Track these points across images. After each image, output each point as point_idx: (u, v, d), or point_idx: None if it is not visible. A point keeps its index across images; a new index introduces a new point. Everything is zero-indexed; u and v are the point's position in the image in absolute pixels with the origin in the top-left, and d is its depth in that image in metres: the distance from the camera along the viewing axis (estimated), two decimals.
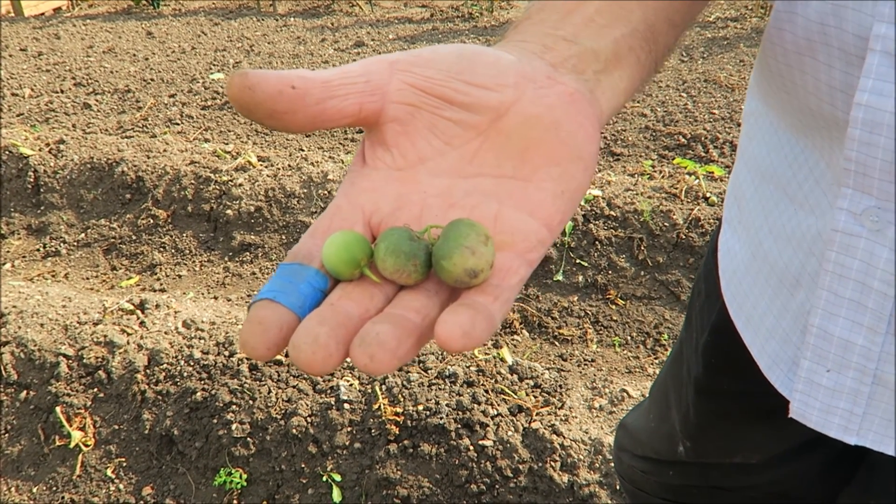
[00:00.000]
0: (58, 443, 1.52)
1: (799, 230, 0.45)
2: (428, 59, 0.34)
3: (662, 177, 2.26)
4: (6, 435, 1.56)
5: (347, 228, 0.33)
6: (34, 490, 1.48)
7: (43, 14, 5.26)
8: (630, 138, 2.63)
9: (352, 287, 0.32)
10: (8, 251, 2.38)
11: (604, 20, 0.37)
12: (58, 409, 1.54)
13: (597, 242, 1.95)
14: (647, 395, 0.84)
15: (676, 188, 2.03)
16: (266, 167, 2.36)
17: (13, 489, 1.49)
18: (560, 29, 0.37)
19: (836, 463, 0.65)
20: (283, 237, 2.21)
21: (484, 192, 0.34)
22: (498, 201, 0.33)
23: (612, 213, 1.97)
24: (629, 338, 1.80)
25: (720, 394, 0.65)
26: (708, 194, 1.99)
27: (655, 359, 1.74)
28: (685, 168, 2.19)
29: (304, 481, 1.38)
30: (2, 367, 1.61)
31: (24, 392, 1.59)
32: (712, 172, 2.14)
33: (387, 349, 0.27)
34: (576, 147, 0.34)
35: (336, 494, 1.35)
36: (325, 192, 2.21)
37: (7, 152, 2.59)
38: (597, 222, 1.97)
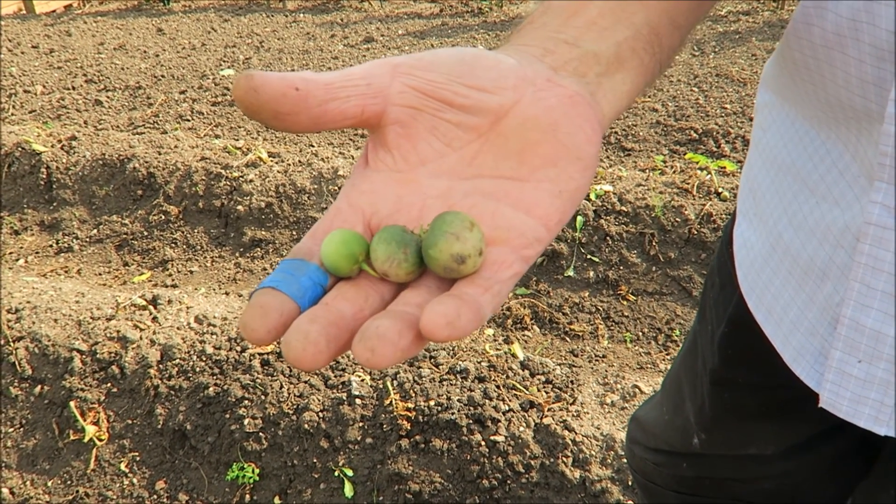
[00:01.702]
0: (72, 437, 1.53)
1: (823, 222, 0.45)
2: (429, 62, 0.35)
3: (674, 172, 2.25)
4: (21, 429, 1.58)
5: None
6: (49, 484, 1.50)
7: (54, 11, 5.29)
8: (641, 133, 2.62)
9: (347, 287, 0.33)
10: (21, 247, 2.39)
11: (606, 23, 0.37)
12: (72, 403, 1.55)
13: (608, 238, 1.94)
14: (660, 388, 0.84)
15: (688, 183, 2.02)
16: (276, 163, 2.36)
17: (28, 483, 1.50)
18: (562, 32, 0.37)
19: (851, 454, 0.64)
20: (294, 233, 2.21)
21: (482, 193, 0.34)
22: (495, 201, 0.34)
23: (624, 208, 1.96)
24: (640, 333, 1.79)
25: (737, 385, 0.65)
26: (720, 189, 1.97)
27: (667, 355, 1.73)
28: (697, 163, 2.18)
29: (317, 476, 1.39)
30: (16, 362, 1.62)
31: (39, 387, 1.60)
32: (724, 167, 2.13)
33: (387, 341, 0.27)
34: (574, 148, 0.34)
35: (348, 489, 1.35)
36: (335, 187, 2.22)
37: (20, 148, 2.61)
38: (608, 217, 1.96)
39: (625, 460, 1.29)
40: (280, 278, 0.31)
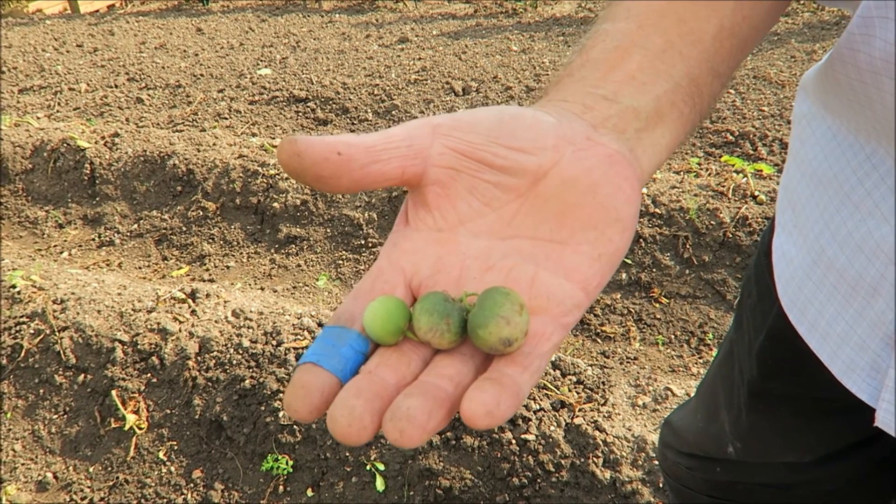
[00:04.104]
0: (113, 425, 1.58)
1: (871, 239, 0.45)
2: (468, 122, 0.35)
3: (709, 174, 2.23)
4: (65, 416, 1.63)
5: (389, 292, 0.35)
6: (90, 470, 1.54)
7: (97, 11, 5.42)
8: None
9: (390, 353, 0.33)
10: (65, 240, 2.47)
11: (645, 77, 0.36)
12: (113, 392, 1.60)
13: (641, 240, 1.93)
14: (694, 395, 0.84)
15: (723, 186, 2.00)
16: None
17: (71, 468, 1.55)
18: (601, 87, 0.37)
19: (889, 461, 0.64)
20: (328, 230, 2.24)
21: (521, 255, 0.34)
22: (535, 264, 0.34)
23: (657, 210, 1.95)
24: (673, 336, 1.78)
25: (776, 397, 0.64)
26: (756, 193, 1.95)
27: (700, 358, 1.72)
28: (733, 166, 2.16)
29: (349, 469, 1.41)
30: (61, 351, 1.68)
31: (82, 375, 1.65)
32: (761, 170, 2.10)
33: (417, 424, 0.28)
34: (613, 210, 0.34)
35: (379, 483, 1.37)
36: None
37: (65, 145, 2.69)
38: (641, 219, 1.95)
39: (656, 462, 1.29)
40: (321, 350, 0.32)
